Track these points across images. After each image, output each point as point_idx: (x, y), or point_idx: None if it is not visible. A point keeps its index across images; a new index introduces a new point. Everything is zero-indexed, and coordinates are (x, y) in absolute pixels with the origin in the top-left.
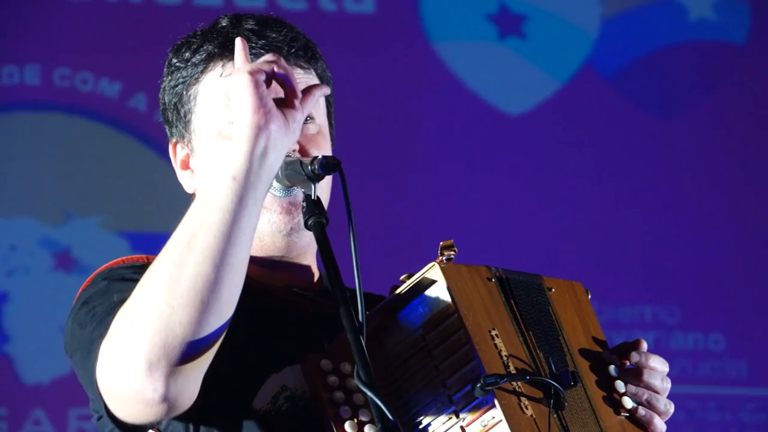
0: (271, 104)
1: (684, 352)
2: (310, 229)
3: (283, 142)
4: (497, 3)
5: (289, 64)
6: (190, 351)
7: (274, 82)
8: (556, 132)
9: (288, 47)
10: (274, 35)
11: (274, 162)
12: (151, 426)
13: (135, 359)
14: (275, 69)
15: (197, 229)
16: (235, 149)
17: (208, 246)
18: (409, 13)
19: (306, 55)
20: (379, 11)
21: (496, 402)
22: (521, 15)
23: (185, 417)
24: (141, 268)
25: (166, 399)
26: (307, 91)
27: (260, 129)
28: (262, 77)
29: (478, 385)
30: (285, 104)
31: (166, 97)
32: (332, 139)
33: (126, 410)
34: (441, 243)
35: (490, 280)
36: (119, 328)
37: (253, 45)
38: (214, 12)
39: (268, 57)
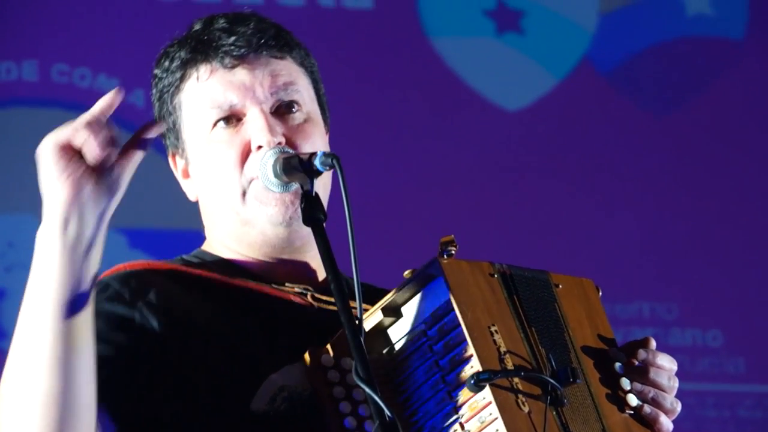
0: (73, 170)
1: (682, 348)
2: (308, 225)
3: (103, 204)
4: None
5: (261, 56)
6: None
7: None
8: (554, 127)
9: (258, 39)
10: (242, 29)
11: (99, 228)
12: None
13: None
14: (71, 136)
15: (29, 336)
16: (46, 229)
17: (48, 389)
18: (407, 9)
19: (278, 44)
20: (377, 7)
21: (492, 398)
22: (519, 10)
23: (182, 421)
24: (136, 277)
25: None
26: (128, 143)
27: (64, 202)
28: (61, 143)
29: (472, 381)
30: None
31: (155, 109)
32: (327, 124)
33: None
34: (441, 239)
35: (492, 275)
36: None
37: (224, 44)
38: (213, 8)
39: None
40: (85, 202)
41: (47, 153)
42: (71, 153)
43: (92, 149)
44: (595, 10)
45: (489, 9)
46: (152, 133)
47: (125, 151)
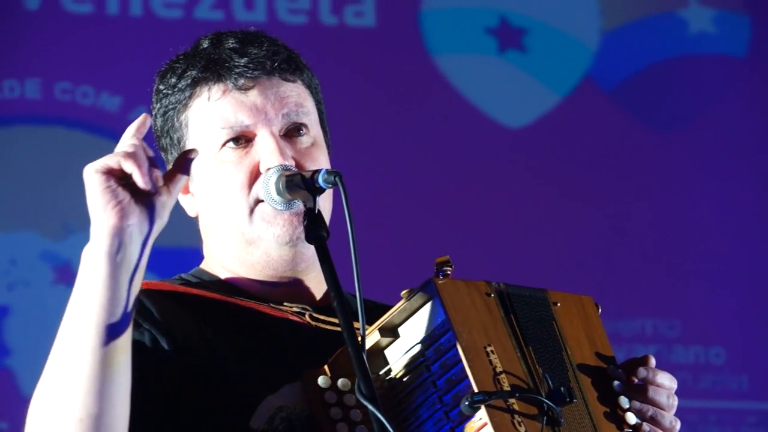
0: (122, 198)
1: (685, 365)
2: (311, 243)
3: (147, 231)
4: (497, 16)
5: (273, 77)
6: None
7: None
8: (557, 145)
9: (271, 61)
10: (255, 51)
11: (142, 254)
12: None
13: None
14: (122, 164)
15: (68, 354)
16: (92, 253)
17: (82, 404)
18: (410, 27)
19: (290, 67)
20: (380, 24)
21: (488, 419)
22: (521, 28)
23: None
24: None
25: None
26: (178, 163)
27: (112, 228)
28: (107, 172)
29: (466, 403)
30: (142, 194)
31: (158, 124)
32: (328, 146)
33: None
34: (436, 259)
35: (489, 295)
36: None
37: (237, 64)
38: (214, 25)
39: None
40: (131, 229)
41: (94, 181)
42: (117, 180)
43: (139, 178)
44: (598, 27)
45: (491, 27)
46: (193, 156)
47: (169, 176)
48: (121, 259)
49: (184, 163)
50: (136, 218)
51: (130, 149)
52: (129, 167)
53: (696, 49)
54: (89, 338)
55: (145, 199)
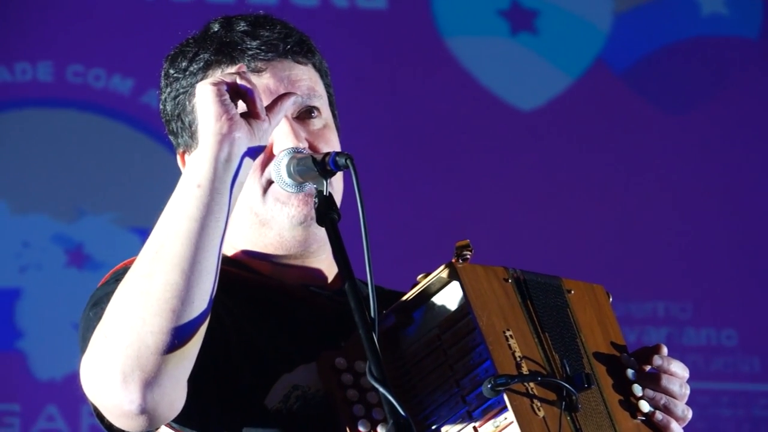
0: (235, 112)
1: (696, 347)
2: (321, 225)
3: (249, 150)
4: None
5: (286, 60)
6: (164, 360)
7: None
8: (568, 127)
9: (283, 44)
10: (267, 34)
11: (241, 169)
12: None
13: (110, 373)
14: (238, 81)
15: (164, 238)
16: (199, 157)
17: (176, 254)
18: (421, 9)
19: (302, 50)
20: (392, 7)
21: (508, 403)
22: (533, 10)
23: (195, 416)
24: None
25: (145, 410)
26: (277, 100)
27: (223, 136)
28: (224, 87)
29: (489, 386)
30: (251, 115)
31: (168, 108)
32: (338, 128)
33: (112, 421)
34: (457, 243)
35: (506, 280)
36: (94, 343)
37: (249, 47)
38: (226, 8)
39: (233, 70)
40: (240, 140)
41: (210, 92)
42: (231, 97)
43: (254, 96)
44: (610, 9)
45: (503, 9)
46: (293, 101)
47: (270, 107)
48: (228, 166)
49: (286, 98)
50: (245, 132)
51: (242, 75)
52: (245, 85)
53: (708, 30)
54: (189, 232)
55: (251, 120)
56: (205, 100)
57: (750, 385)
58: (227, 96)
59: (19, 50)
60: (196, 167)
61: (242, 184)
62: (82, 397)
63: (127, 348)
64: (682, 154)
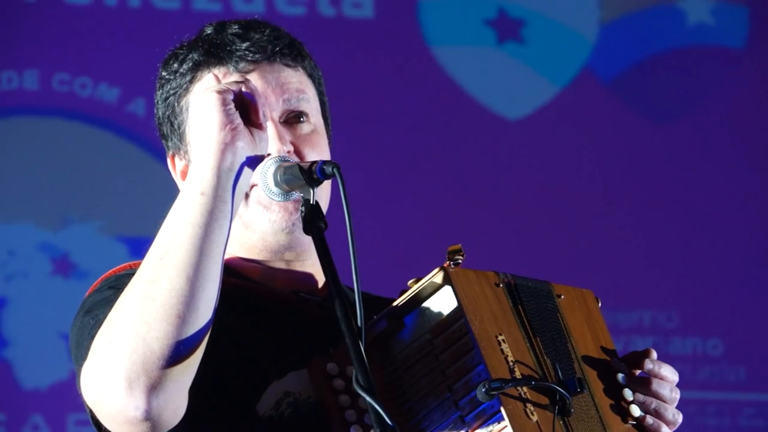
0: (239, 121)
1: (683, 356)
2: (308, 234)
3: (249, 159)
4: (496, 8)
5: (275, 63)
6: (169, 365)
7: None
8: (555, 136)
9: (272, 46)
10: (257, 36)
11: (242, 177)
12: None
13: (115, 378)
14: (243, 89)
15: (168, 245)
16: (202, 165)
17: (181, 261)
18: (408, 18)
19: (292, 53)
20: (378, 16)
21: (502, 407)
22: (520, 20)
23: (188, 424)
24: None
25: (149, 417)
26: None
27: (226, 145)
28: (230, 96)
29: (483, 390)
30: (252, 122)
31: (159, 111)
32: (329, 137)
33: (113, 429)
34: (449, 247)
35: (497, 285)
36: (98, 348)
37: (238, 48)
38: (212, 17)
39: (236, 77)
40: (240, 150)
41: (214, 101)
42: (233, 107)
43: (258, 105)
44: (596, 19)
45: (489, 18)
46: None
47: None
48: (231, 174)
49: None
50: (247, 141)
51: (243, 78)
52: (250, 93)
53: (694, 40)
54: (193, 238)
55: (252, 129)
56: (209, 107)
57: (736, 395)
58: (232, 105)
59: (5, 59)
60: (199, 175)
61: (243, 192)
62: (67, 407)
63: (132, 353)
64: (668, 163)
